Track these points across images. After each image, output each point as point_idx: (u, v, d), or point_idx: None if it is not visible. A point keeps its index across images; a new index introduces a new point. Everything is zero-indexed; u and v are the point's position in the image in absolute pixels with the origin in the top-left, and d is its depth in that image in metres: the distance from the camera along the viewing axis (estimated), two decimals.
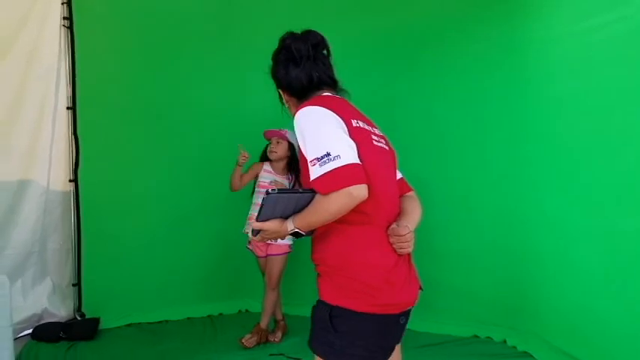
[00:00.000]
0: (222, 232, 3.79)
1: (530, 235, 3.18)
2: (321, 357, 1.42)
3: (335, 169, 1.29)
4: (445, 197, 3.46)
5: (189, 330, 3.48)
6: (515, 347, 3.20)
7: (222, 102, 3.77)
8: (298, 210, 1.41)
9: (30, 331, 3.20)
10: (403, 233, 1.46)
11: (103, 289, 3.46)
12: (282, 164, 3.25)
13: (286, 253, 3.23)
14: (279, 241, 3.02)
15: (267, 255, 3.24)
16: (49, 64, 3.17)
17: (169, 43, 3.62)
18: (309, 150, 1.36)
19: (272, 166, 3.27)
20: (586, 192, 2.77)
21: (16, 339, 2.85)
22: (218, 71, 3.74)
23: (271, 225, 1.41)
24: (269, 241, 3.06)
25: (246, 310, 3.86)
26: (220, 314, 3.76)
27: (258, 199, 3.22)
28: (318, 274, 1.50)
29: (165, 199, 3.67)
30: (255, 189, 3.27)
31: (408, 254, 1.54)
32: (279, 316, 3.42)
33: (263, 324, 3.29)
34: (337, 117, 1.41)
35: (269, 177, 3.24)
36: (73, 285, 3.43)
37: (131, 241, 3.56)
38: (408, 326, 3.45)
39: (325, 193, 1.32)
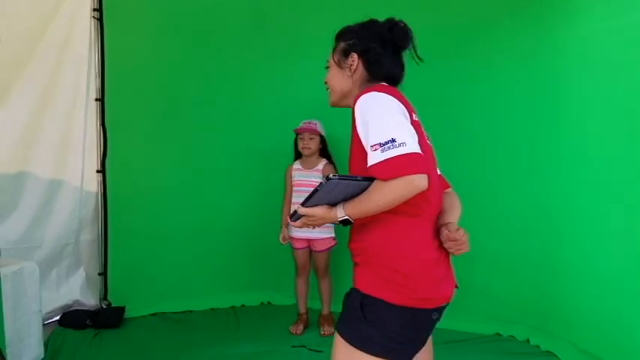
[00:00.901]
0: (247, 225, 3.82)
1: (557, 236, 3.15)
2: (347, 341, 1.42)
3: (399, 155, 1.27)
4: (472, 196, 3.38)
5: (212, 320, 3.52)
6: (538, 346, 3.18)
7: (253, 95, 3.78)
8: (348, 198, 1.38)
9: (57, 317, 3.27)
10: (458, 237, 1.45)
11: (129, 279, 3.52)
12: (313, 158, 3.27)
13: (331, 247, 3.29)
14: (316, 231, 3.09)
15: (312, 250, 3.30)
16: (80, 55, 3.22)
17: (200, 35, 3.63)
18: (373, 135, 1.31)
19: (302, 163, 3.30)
20: (616, 193, 2.73)
21: (44, 325, 2.91)
22: (251, 64, 3.75)
23: (319, 211, 1.38)
24: (307, 231, 3.11)
25: (269, 303, 3.89)
26: (243, 305, 3.79)
27: (297, 199, 3.25)
28: (356, 263, 1.50)
29: (191, 190, 3.71)
30: (293, 189, 3.31)
31: (447, 252, 1.52)
32: (303, 309, 3.44)
33: (326, 311, 3.40)
34: (403, 107, 1.41)
35: (301, 175, 3.28)
36: (99, 274, 3.49)
37: (157, 232, 3.60)
38: None
39: (385, 179, 1.28)
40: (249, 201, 3.81)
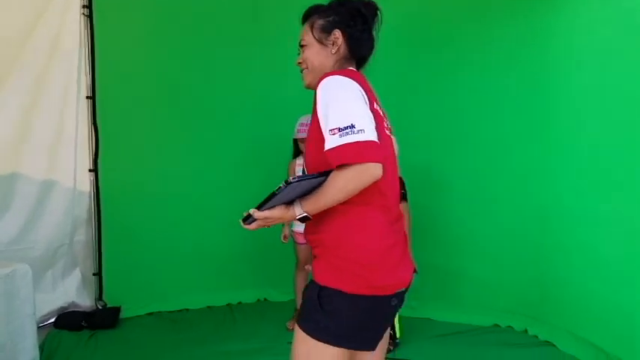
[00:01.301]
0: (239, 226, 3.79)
1: (552, 226, 3.15)
2: (305, 333, 1.42)
3: (356, 142, 1.26)
4: (467, 188, 3.45)
5: (209, 318, 3.49)
6: (536, 336, 3.19)
7: (246, 91, 3.76)
8: (305, 193, 1.36)
9: (53, 320, 3.24)
10: None
11: (124, 279, 3.49)
12: None
13: None
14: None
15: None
16: (70, 52, 3.17)
17: (193, 30, 3.60)
18: (332, 118, 1.30)
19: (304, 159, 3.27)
20: (610, 181, 2.74)
21: (39, 327, 2.88)
22: (248, 57, 3.72)
23: (276, 212, 1.35)
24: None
25: (265, 299, 3.87)
26: (239, 303, 3.77)
27: None
28: (314, 255, 1.49)
29: (185, 188, 3.68)
30: None
31: (406, 236, 1.52)
32: (300, 303, 3.42)
33: None
34: (366, 95, 1.39)
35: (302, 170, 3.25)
36: (94, 274, 3.45)
37: (151, 230, 3.57)
38: (428, 315, 3.45)
39: (339, 164, 1.27)
40: (244, 197, 3.72)
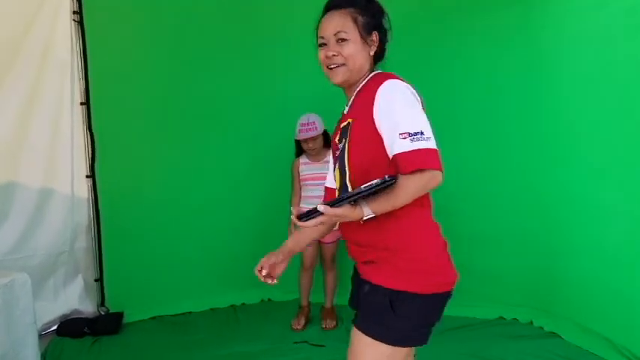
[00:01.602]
0: (244, 221, 3.77)
1: (555, 217, 3.13)
2: (376, 339, 1.42)
3: (427, 148, 1.30)
4: (470, 182, 3.41)
5: (212, 321, 3.48)
6: (542, 328, 3.17)
7: (242, 94, 3.72)
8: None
9: (55, 327, 3.22)
10: None
11: (126, 283, 3.47)
12: (319, 151, 3.25)
13: (338, 239, 3.27)
14: None
15: (321, 242, 3.28)
16: (62, 59, 3.15)
17: (186, 33, 3.56)
18: (403, 122, 1.32)
19: (308, 157, 3.28)
20: (612, 172, 2.72)
21: (41, 336, 2.87)
22: (242, 60, 3.69)
23: (345, 211, 1.31)
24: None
25: (269, 299, 3.85)
26: (243, 304, 3.75)
27: (308, 193, 3.25)
28: (370, 261, 1.48)
29: (183, 190, 3.65)
30: (301, 184, 3.29)
31: None
32: (305, 302, 3.42)
33: (328, 304, 3.40)
34: (420, 104, 1.45)
35: (309, 169, 3.26)
36: (95, 280, 3.44)
37: (152, 235, 3.55)
38: None
39: (411, 169, 1.29)
40: (244, 198, 3.76)
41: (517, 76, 3.22)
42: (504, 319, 3.33)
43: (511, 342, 3.00)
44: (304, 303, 3.42)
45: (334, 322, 3.30)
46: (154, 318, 3.51)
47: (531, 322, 3.24)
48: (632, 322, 2.62)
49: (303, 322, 3.32)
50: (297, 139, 3.22)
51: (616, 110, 2.62)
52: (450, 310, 3.43)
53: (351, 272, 1.68)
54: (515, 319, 3.31)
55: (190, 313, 3.60)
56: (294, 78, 3.66)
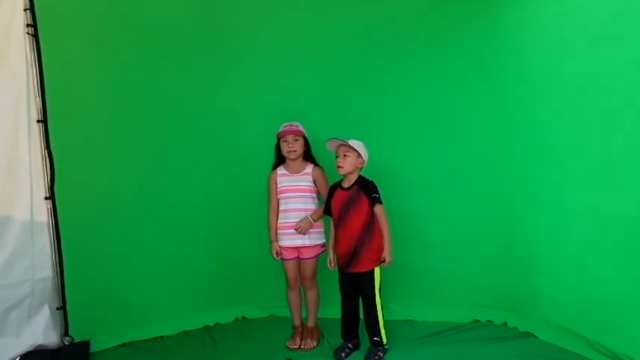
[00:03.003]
0: (214, 238, 3.67)
1: (524, 219, 3.26)
2: None
3: None
4: (440, 186, 3.50)
5: (187, 344, 3.34)
6: (516, 328, 3.27)
7: (209, 106, 3.64)
8: None
9: None
10: None
11: (91, 310, 3.26)
12: (298, 161, 3.16)
13: (319, 254, 3.19)
14: (307, 237, 3.10)
15: (300, 259, 3.18)
16: (17, 74, 2.94)
17: (145, 47, 3.44)
18: None
19: (287, 168, 3.19)
20: (577, 175, 2.86)
21: None
22: (202, 75, 3.61)
23: None
24: (299, 238, 3.11)
25: (243, 317, 3.74)
26: (217, 324, 3.63)
27: (286, 206, 3.15)
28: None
29: (149, 209, 3.50)
30: (279, 197, 3.18)
31: None
32: (298, 322, 3.33)
33: (311, 323, 3.29)
34: None
35: (287, 180, 3.17)
36: (58, 309, 3.21)
37: (117, 257, 3.38)
38: (409, 317, 3.58)
39: None
40: (214, 215, 3.67)
41: (482, 85, 3.35)
42: (479, 321, 3.42)
43: (488, 344, 3.07)
44: (297, 323, 3.32)
45: (314, 343, 3.19)
46: (123, 345, 3.32)
47: (506, 324, 3.34)
48: (604, 318, 2.75)
49: (298, 341, 3.20)
50: (278, 134, 3.14)
51: (581, 116, 2.77)
52: (425, 315, 3.57)
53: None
54: (489, 321, 3.40)
55: (162, 337, 3.44)
56: (261, 92, 3.63)
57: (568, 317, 2.99)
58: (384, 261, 2.93)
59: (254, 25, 3.63)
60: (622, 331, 2.66)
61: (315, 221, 3.12)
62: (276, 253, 3.18)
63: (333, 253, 3.08)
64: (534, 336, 3.14)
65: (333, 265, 3.09)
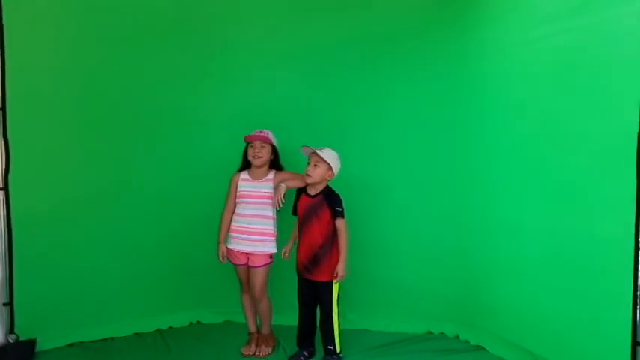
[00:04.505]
0: (170, 240, 3.60)
1: (480, 234, 3.36)
2: None
3: None
4: (399, 198, 3.57)
5: (138, 346, 3.26)
6: (468, 341, 3.36)
7: (175, 104, 3.58)
8: None
9: None
10: None
11: (40, 307, 3.14)
12: (263, 169, 3.14)
13: (268, 264, 3.12)
14: (257, 244, 3.06)
15: (249, 266, 3.13)
16: None
17: (111, 38, 3.37)
18: None
19: (250, 173, 3.15)
20: (529, 193, 2.98)
21: None
22: (171, 70, 3.55)
23: None
24: (247, 244, 3.07)
25: (198, 322, 3.68)
26: (170, 327, 3.55)
27: (242, 210, 3.10)
28: None
29: (105, 206, 3.41)
30: (237, 200, 3.14)
31: None
32: (253, 328, 3.28)
33: (265, 330, 3.25)
34: None
35: (248, 186, 3.13)
36: (4, 304, 3.08)
37: (69, 253, 3.28)
38: (365, 326, 3.72)
39: None
40: (171, 214, 3.59)
41: (453, 104, 3.44)
42: (432, 333, 3.49)
43: (439, 356, 3.15)
44: (251, 329, 3.27)
45: (269, 350, 3.17)
46: (71, 345, 3.21)
47: (457, 336, 3.43)
48: (551, 334, 2.86)
49: (253, 348, 3.17)
50: (246, 138, 3.11)
51: (546, 139, 2.89)
52: (381, 325, 3.61)
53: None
54: (442, 333, 3.48)
55: (113, 338, 3.34)
56: (232, 92, 3.62)
57: (516, 332, 3.09)
58: (336, 275, 2.95)
59: (230, 24, 3.61)
60: (565, 348, 2.77)
61: (288, 187, 3.07)
62: (222, 256, 3.14)
63: (292, 244, 3.11)
64: (484, 349, 3.23)
65: (286, 255, 3.10)
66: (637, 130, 2.32)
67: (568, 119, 2.69)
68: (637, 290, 2.42)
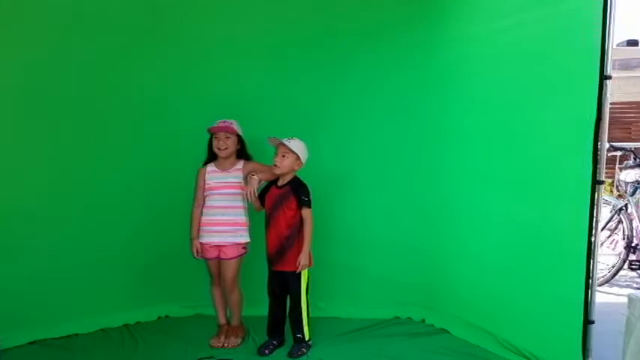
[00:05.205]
0: (136, 233, 3.52)
1: (441, 222, 3.45)
2: None
3: None
4: (369, 189, 3.62)
5: (104, 343, 3.20)
6: (433, 325, 3.47)
7: (138, 96, 3.47)
8: None
9: None
10: None
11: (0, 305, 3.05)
12: (230, 159, 3.10)
13: (241, 255, 3.11)
14: (229, 234, 3.06)
15: (221, 258, 3.10)
16: None
17: (71, 32, 3.24)
18: None
19: (217, 165, 3.12)
20: (491, 183, 3.09)
21: None
22: (134, 59, 3.44)
23: None
24: (218, 235, 3.05)
25: (166, 316, 3.63)
26: (138, 322, 3.49)
27: (213, 202, 3.08)
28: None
29: (67, 199, 3.31)
30: (206, 193, 3.10)
31: None
32: (222, 320, 3.27)
33: (235, 322, 3.24)
34: None
35: (216, 177, 3.10)
36: None
37: (31, 248, 3.18)
38: (335, 314, 3.72)
39: None
40: (136, 207, 3.52)
41: (421, 94, 3.49)
42: (399, 318, 3.59)
43: (406, 340, 3.24)
44: (221, 321, 3.26)
45: (238, 340, 3.17)
46: (33, 343, 3.12)
47: (423, 320, 3.53)
48: (511, 317, 2.99)
49: (222, 339, 3.15)
50: (209, 129, 3.06)
51: (495, 124, 3.00)
52: (350, 312, 3.68)
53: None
54: (409, 318, 3.58)
55: (77, 335, 3.26)
56: (203, 80, 3.54)
57: (479, 315, 3.21)
58: (298, 264, 2.97)
59: (196, 13, 3.50)
60: (525, 328, 2.91)
61: (261, 180, 3.05)
62: (197, 252, 3.11)
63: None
64: (449, 332, 3.34)
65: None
66: (594, 120, 2.43)
67: (528, 109, 2.79)
68: (590, 272, 2.56)
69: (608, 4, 2.33)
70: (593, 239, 2.53)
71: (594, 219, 2.51)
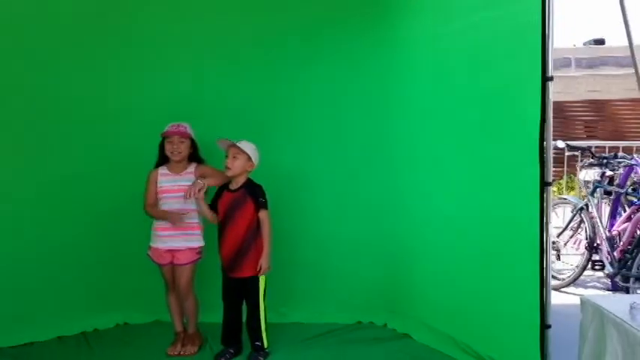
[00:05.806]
0: (94, 238, 3.45)
1: (399, 227, 3.44)
2: None
3: None
4: (328, 191, 3.59)
5: (60, 350, 3.16)
6: (395, 330, 3.44)
7: (89, 92, 3.42)
8: None
9: None
10: None
11: None
12: (183, 162, 3.07)
13: (195, 261, 3.07)
14: (182, 239, 3.01)
15: (174, 264, 3.05)
16: None
17: (26, 31, 3.21)
18: None
19: (169, 168, 3.07)
20: (453, 183, 3.05)
21: None
22: (88, 56, 3.39)
23: None
24: (171, 240, 3.01)
25: (125, 323, 3.58)
26: (95, 330, 3.44)
27: (167, 206, 3.04)
28: None
29: (22, 204, 3.28)
30: (159, 196, 3.06)
31: None
32: (179, 327, 3.21)
33: (191, 329, 3.19)
34: None
35: (169, 181, 3.05)
36: None
37: None
38: (297, 319, 3.66)
39: None
40: (90, 209, 3.45)
41: (368, 96, 3.49)
42: (362, 323, 3.55)
43: (367, 345, 3.22)
44: (178, 329, 3.20)
45: (195, 349, 3.13)
46: None
47: (385, 325, 3.50)
48: (470, 319, 2.96)
49: (179, 348, 3.11)
50: (163, 134, 3.02)
51: (450, 124, 2.98)
52: (312, 318, 3.64)
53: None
54: (371, 322, 3.55)
55: (33, 343, 3.22)
56: (153, 82, 3.50)
57: (440, 320, 3.18)
58: (260, 269, 2.94)
59: (148, 11, 3.45)
60: (484, 333, 2.87)
61: (208, 185, 2.98)
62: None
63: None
64: (410, 337, 3.31)
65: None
66: (539, 120, 2.41)
67: (477, 112, 2.78)
68: (544, 274, 2.53)
69: (546, 7, 2.32)
70: (545, 241, 2.50)
71: (544, 220, 2.48)
